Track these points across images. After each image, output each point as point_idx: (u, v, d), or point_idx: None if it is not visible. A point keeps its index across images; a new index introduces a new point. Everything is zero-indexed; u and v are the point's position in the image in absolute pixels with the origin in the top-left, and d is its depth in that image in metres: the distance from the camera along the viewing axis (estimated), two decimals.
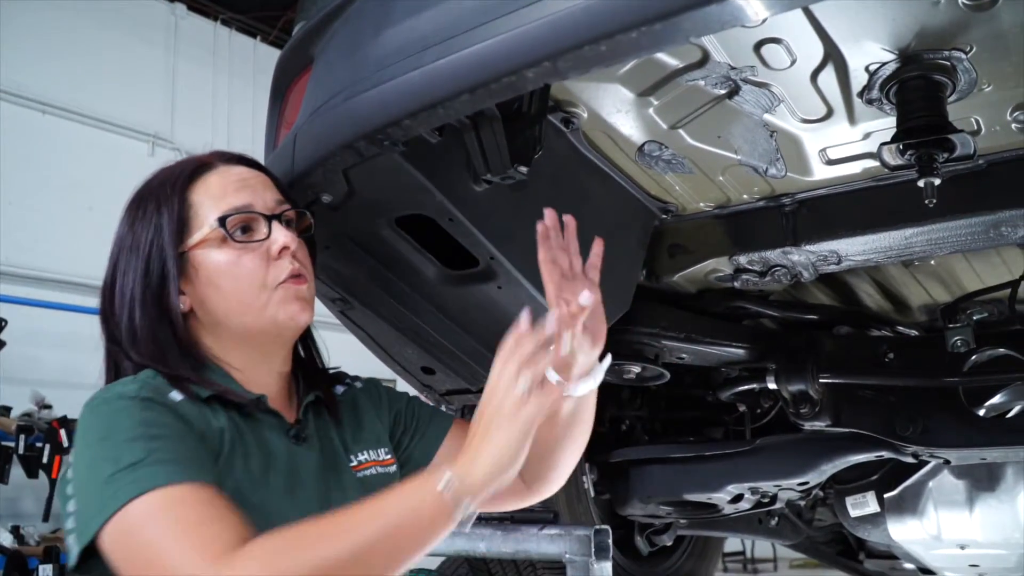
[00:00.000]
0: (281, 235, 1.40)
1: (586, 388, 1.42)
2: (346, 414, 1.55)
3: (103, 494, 1.16)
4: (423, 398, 1.72)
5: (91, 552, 1.18)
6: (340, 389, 1.60)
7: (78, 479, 1.22)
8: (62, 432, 6.29)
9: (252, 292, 1.38)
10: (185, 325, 1.40)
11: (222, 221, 1.37)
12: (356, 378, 1.66)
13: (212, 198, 1.40)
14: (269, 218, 1.41)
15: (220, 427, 1.31)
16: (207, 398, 1.33)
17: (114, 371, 1.40)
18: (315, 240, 1.56)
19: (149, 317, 1.37)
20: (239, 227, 1.39)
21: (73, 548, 1.20)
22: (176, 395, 1.30)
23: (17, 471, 6.19)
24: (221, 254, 1.38)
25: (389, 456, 1.54)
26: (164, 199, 1.40)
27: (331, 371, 1.62)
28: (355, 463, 1.48)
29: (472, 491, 1.22)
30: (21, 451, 6.14)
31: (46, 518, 6.43)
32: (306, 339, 1.58)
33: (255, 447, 1.34)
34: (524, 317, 1.28)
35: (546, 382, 1.26)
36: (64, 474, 1.27)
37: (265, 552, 1.13)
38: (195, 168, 1.43)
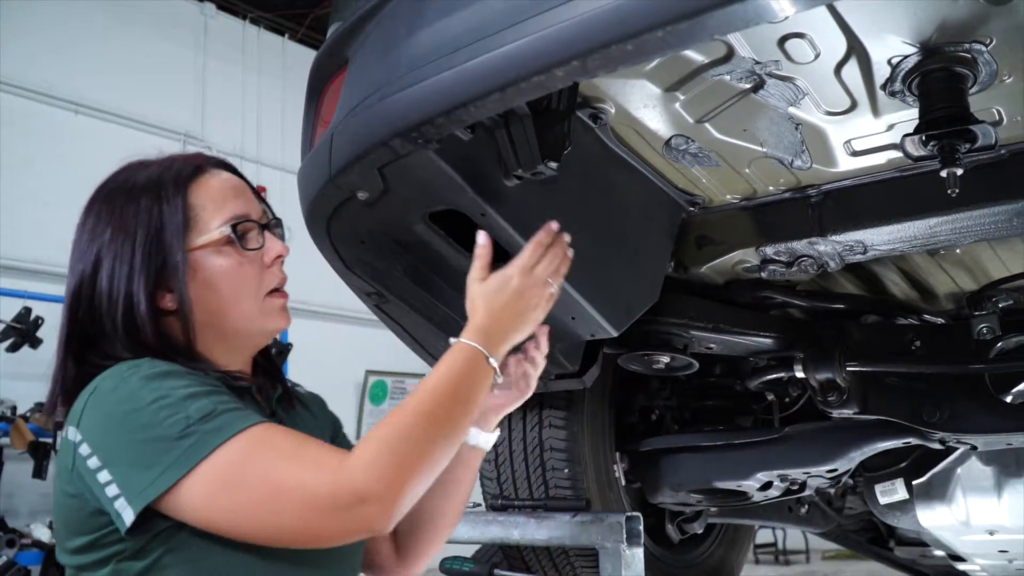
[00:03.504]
0: (276, 244, 1.46)
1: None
2: (300, 411, 1.58)
3: (176, 449, 1.19)
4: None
5: (146, 513, 1.20)
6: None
7: (121, 445, 1.22)
8: None
9: (247, 298, 1.42)
10: (164, 321, 1.39)
11: (234, 228, 1.41)
12: (297, 384, 1.68)
13: (213, 202, 1.42)
14: (263, 227, 1.46)
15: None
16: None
17: (74, 368, 1.38)
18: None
19: (144, 311, 1.36)
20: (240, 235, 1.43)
21: (126, 510, 1.20)
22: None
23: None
24: (223, 259, 1.41)
25: None
26: (165, 196, 1.40)
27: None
28: None
29: (491, 341, 1.42)
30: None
31: None
32: None
33: None
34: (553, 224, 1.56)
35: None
36: (74, 454, 1.25)
37: (378, 449, 1.22)
38: (194, 168, 1.44)
